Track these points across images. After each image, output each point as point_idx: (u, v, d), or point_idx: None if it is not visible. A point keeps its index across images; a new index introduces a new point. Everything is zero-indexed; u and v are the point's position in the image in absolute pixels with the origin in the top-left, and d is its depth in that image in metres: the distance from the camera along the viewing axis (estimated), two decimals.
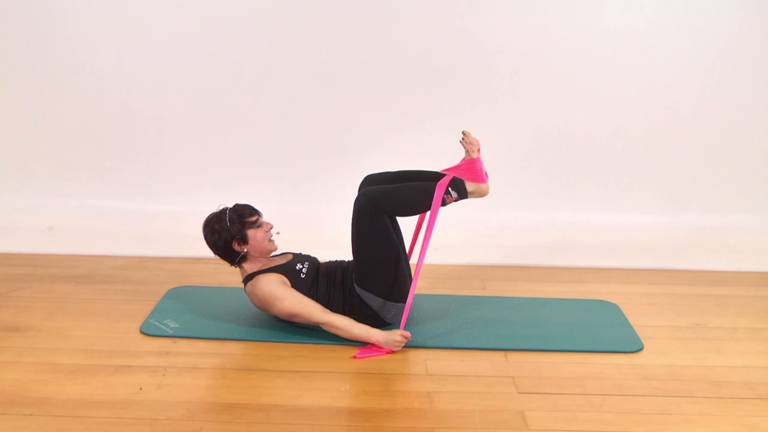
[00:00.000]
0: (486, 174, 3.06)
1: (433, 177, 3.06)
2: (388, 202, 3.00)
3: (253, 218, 3.09)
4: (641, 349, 3.05)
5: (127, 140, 4.47)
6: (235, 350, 2.97)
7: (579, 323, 3.27)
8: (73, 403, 2.56)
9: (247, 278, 3.09)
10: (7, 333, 3.07)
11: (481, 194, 3.07)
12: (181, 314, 3.24)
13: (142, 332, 3.09)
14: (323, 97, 4.41)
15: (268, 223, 3.13)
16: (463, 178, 3.03)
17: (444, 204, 3.01)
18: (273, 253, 3.17)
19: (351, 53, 4.35)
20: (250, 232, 3.07)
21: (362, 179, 3.20)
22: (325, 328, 3.00)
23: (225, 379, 2.75)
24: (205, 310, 3.29)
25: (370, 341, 2.96)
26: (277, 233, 3.26)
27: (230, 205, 3.11)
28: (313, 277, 3.08)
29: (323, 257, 3.32)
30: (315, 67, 4.36)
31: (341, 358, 2.91)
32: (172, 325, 3.13)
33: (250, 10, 4.29)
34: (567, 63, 4.35)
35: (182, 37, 4.34)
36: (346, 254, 3.16)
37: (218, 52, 4.36)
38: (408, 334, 2.96)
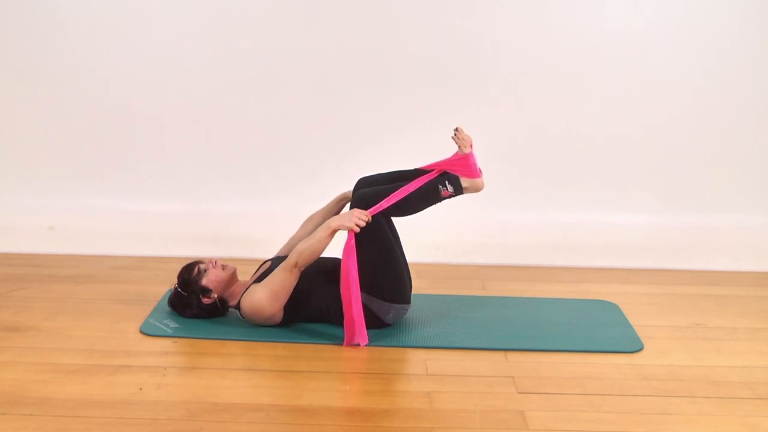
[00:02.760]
0: (480, 170, 3.06)
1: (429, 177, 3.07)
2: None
3: (195, 271, 3.11)
4: (641, 349, 3.05)
5: (127, 140, 4.47)
6: (235, 350, 2.97)
7: (579, 323, 3.27)
8: (73, 403, 2.56)
9: (236, 307, 3.12)
10: (7, 333, 3.07)
11: (476, 189, 3.07)
12: None
13: (142, 332, 3.09)
14: (323, 97, 4.41)
15: (209, 261, 3.16)
16: (457, 174, 3.04)
17: (441, 198, 3.02)
18: (248, 270, 3.20)
19: (351, 54, 4.35)
20: (205, 282, 3.09)
21: (356, 182, 3.21)
22: (302, 263, 2.97)
23: (225, 379, 2.75)
24: None
25: (331, 230, 2.95)
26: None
27: (175, 283, 3.16)
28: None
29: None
30: (315, 67, 4.36)
31: (341, 358, 2.91)
32: (172, 325, 3.13)
33: (249, 11, 4.29)
34: (567, 63, 4.35)
35: (182, 38, 4.34)
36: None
37: (218, 53, 4.36)
38: (365, 211, 2.95)
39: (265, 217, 4.35)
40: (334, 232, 2.97)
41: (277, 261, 3.19)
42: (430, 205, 3.06)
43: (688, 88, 4.39)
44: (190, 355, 2.95)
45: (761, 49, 4.33)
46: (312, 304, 3.08)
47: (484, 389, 2.70)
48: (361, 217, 2.93)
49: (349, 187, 3.24)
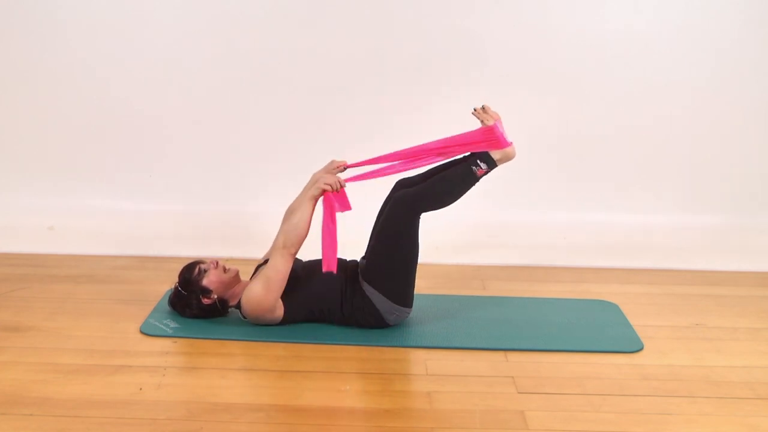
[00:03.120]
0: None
1: (460, 161, 3.10)
2: (427, 201, 3.02)
3: (196, 271, 3.10)
4: (641, 349, 3.05)
5: (127, 140, 4.47)
6: (235, 350, 2.97)
7: (579, 323, 3.27)
8: (73, 403, 2.56)
9: (237, 307, 3.11)
10: (7, 333, 3.07)
11: (508, 158, 3.08)
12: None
13: (142, 332, 3.09)
14: (323, 96, 4.41)
15: (211, 261, 3.13)
16: (485, 150, 3.03)
17: (477, 178, 3.03)
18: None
19: (351, 54, 4.34)
20: (205, 282, 3.08)
21: (395, 183, 3.23)
22: (290, 241, 2.96)
23: (225, 379, 2.75)
24: None
25: (309, 198, 2.99)
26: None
27: (175, 282, 3.15)
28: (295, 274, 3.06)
29: None
30: (315, 67, 4.36)
31: (341, 358, 2.91)
32: (172, 325, 3.13)
33: (249, 11, 4.29)
34: (566, 63, 4.34)
35: (182, 38, 4.33)
36: (346, 252, 3.17)
37: (218, 53, 4.35)
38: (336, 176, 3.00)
39: (265, 217, 4.34)
40: (314, 200, 2.99)
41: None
42: (469, 187, 3.05)
43: (688, 88, 4.38)
44: (190, 355, 2.95)
45: (761, 49, 4.33)
46: (312, 304, 3.09)
47: (484, 389, 2.70)
48: (333, 179, 2.98)
49: (348, 186, 3.23)
